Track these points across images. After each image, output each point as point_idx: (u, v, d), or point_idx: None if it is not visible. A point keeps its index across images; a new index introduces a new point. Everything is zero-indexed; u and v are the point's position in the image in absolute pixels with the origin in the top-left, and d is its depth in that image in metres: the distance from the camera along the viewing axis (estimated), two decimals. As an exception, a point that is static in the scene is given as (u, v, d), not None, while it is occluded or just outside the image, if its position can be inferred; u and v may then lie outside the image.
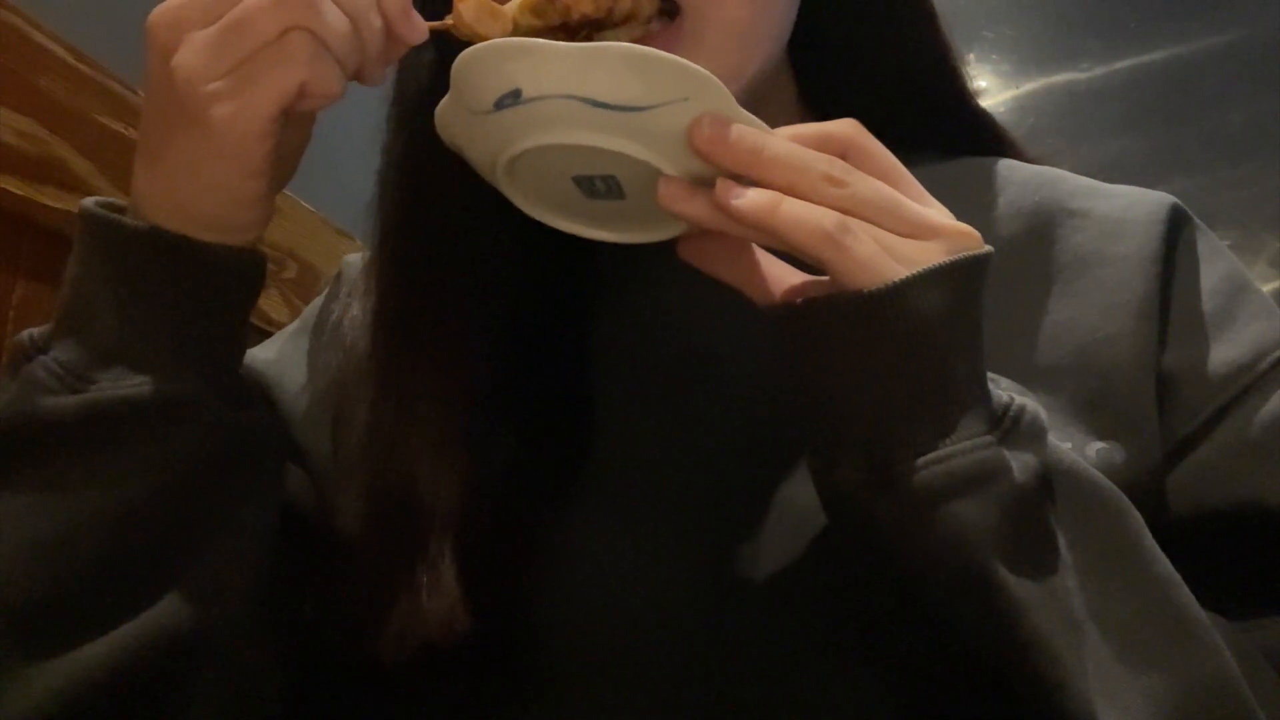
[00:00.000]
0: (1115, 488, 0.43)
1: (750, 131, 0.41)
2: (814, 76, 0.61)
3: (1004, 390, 0.43)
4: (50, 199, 0.77)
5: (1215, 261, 0.53)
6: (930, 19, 0.60)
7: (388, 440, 0.52)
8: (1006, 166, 0.58)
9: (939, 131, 0.60)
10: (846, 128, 0.43)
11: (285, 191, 1.02)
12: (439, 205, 0.54)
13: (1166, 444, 0.49)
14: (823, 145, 0.42)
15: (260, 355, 0.63)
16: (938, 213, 0.43)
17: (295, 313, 1.04)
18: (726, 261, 0.44)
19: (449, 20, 0.47)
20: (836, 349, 0.41)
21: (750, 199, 0.40)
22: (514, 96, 0.41)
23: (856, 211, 0.40)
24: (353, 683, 0.51)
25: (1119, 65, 2.25)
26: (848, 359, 0.41)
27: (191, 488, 0.45)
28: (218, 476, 0.46)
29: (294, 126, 0.45)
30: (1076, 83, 2.29)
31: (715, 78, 0.40)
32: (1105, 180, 0.58)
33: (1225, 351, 0.50)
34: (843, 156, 0.42)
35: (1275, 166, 2.19)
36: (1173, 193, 0.56)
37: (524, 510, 0.50)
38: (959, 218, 0.53)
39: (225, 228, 0.45)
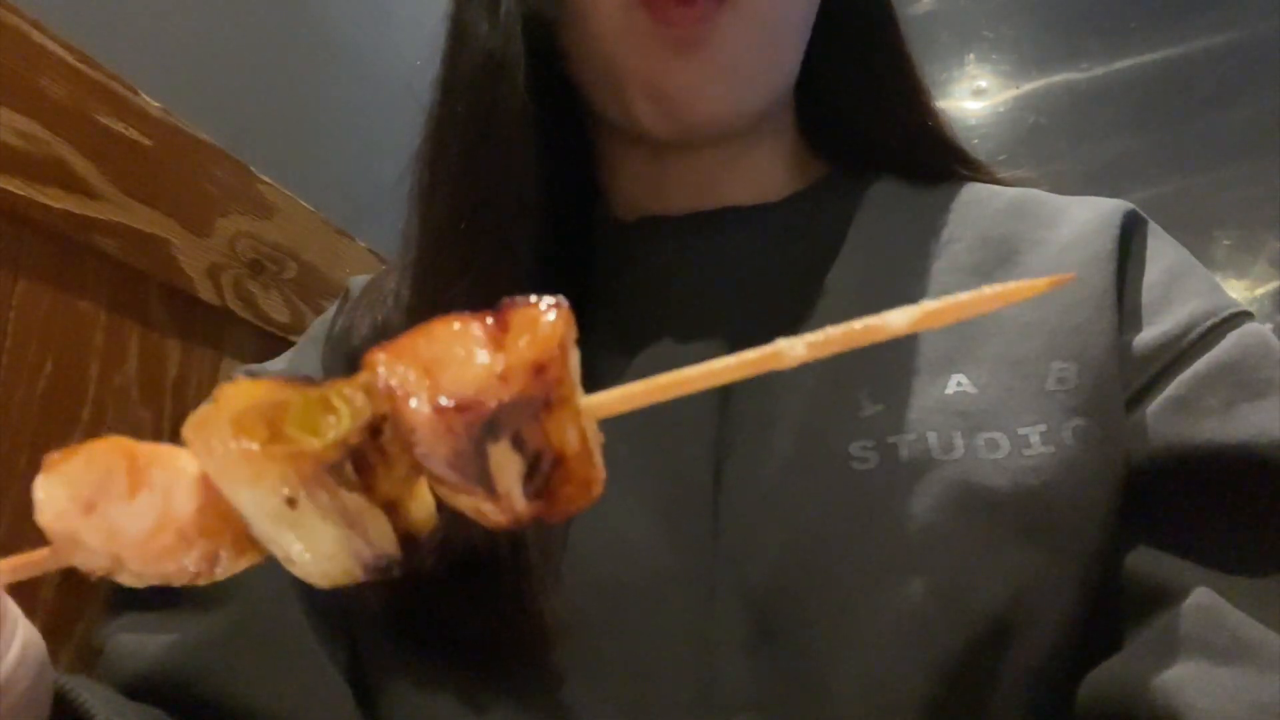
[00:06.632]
0: None
1: None
2: (808, 111, 0.65)
3: None
4: (50, 199, 0.77)
5: (1160, 258, 0.56)
6: (903, 56, 0.63)
7: None
8: (979, 196, 0.61)
9: (915, 160, 0.63)
10: None
11: (285, 191, 1.03)
12: (495, 162, 0.56)
13: None
14: None
15: (271, 368, 0.65)
16: None
17: (295, 313, 1.05)
18: None
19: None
20: None
21: None
22: None
23: None
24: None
25: (1119, 65, 2.25)
26: None
27: None
28: None
29: None
30: (1076, 83, 2.29)
31: None
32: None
33: (1156, 329, 0.53)
34: None
35: (1275, 166, 2.18)
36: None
37: None
38: (931, 245, 0.58)
39: None
